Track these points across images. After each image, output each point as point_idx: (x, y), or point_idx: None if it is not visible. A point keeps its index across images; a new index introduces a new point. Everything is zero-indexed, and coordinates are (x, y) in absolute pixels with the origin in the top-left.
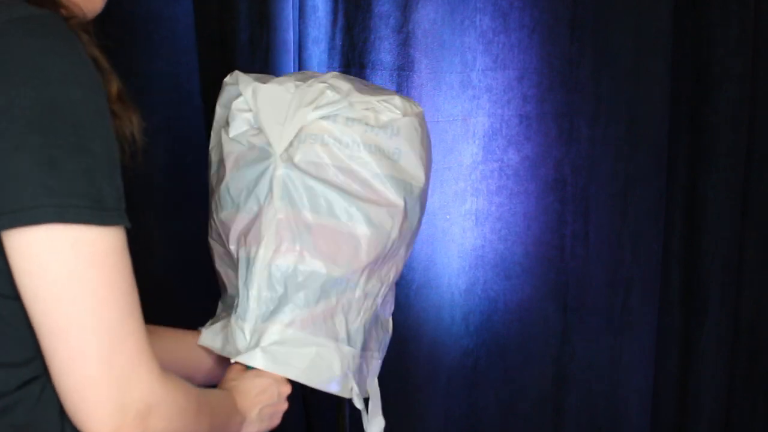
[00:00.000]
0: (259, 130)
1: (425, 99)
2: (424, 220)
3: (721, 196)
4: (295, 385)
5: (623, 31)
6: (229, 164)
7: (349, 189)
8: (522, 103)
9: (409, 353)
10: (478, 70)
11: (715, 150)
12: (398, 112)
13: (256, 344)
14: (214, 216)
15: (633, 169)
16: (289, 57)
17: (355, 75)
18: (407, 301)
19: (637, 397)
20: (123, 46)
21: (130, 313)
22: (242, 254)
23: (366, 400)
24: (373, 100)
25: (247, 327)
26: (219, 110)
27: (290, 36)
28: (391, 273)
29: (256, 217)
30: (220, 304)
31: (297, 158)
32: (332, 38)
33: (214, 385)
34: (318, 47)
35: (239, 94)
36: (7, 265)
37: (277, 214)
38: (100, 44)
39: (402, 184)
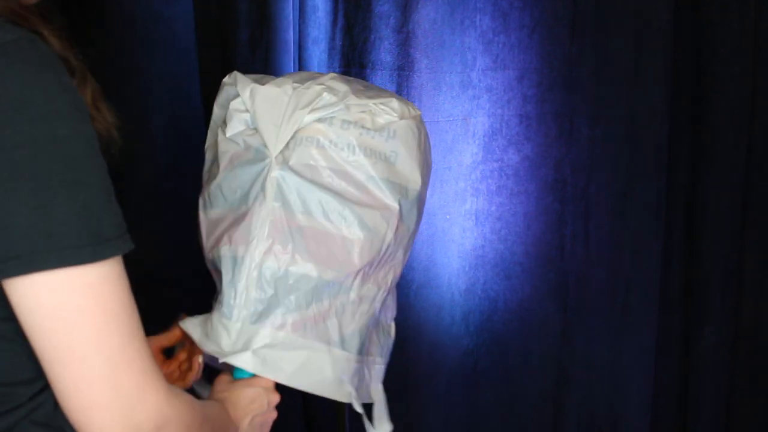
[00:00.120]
0: (256, 131)
1: (425, 99)
2: (424, 220)
3: (721, 196)
4: (293, 390)
5: (623, 31)
6: (223, 163)
7: (343, 192)
8: (522, 103)
9: (409, 353)
10: (478, 70)
11: (715, 150)
12: (395, 114)
13: (246, 346)
14: (202, 214)
15: (633, 169)
16: (289, 57)
17: (355, 75)
18: (407, 301)
19: (637, 397)
20: (123, 46)
21: (131, 335)
22: (227, 253)
23: (370, 405)
24: (370, 103)
25: (233, 327)
26: (216, 110)
27: (290, 36)
28: (388, 277)
29: (246, 217)
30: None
31: (292, 161)
32: (332, 38)
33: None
34: (318, 47)
35: (237, 95)
36: (4, 294)
37: (270, 215)
38: (69, 39)
39: (398, 187)
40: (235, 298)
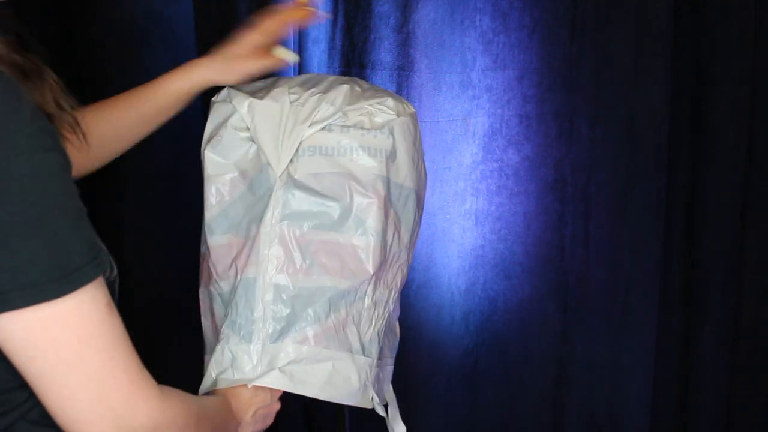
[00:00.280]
0: (257, 150)
1: (425, 99)
2: (424, 220)
3: (721, 196)
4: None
5: (623, 31)
6: (226, 186)
7: (348, 198)
8: (522, 103)
9: (409, 353)
10: (478, 70)
11: (715, 150)
12: (392, 113)
13: (271, 366)
14: (207, 243)
15: (633, 169)
16: None
17: (355, 75)
18: (407, 301)
19: (637, 397)
20: (123, 46)
21: (114, 350)
22: (241, 277)
23: (386, 407)
24: (366, 105)
25: (254, 349)
26: (211, 128)
27: (290, 36)
28: (397, 278)
29: (255, 239)
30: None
31: (297, 174)
32: (332, 38)
33: None
34: (318, 47)
35: (233, 112)
36: None
37: (279, 234)
38: (19, 37)
39: (398, 185)
40: (252, 321)
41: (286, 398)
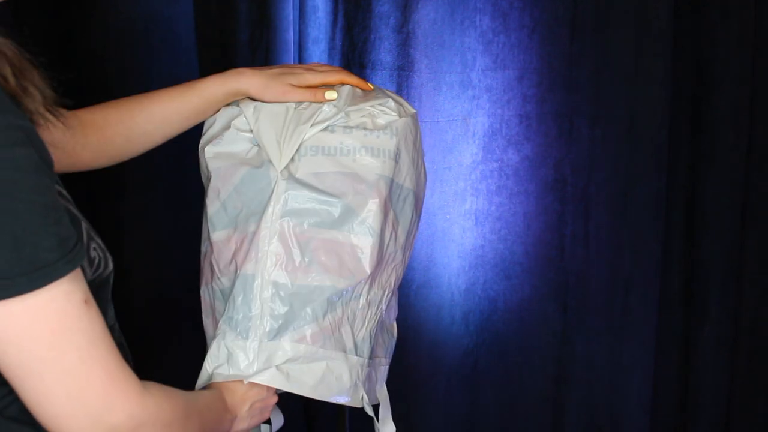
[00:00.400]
0: (259, 148)
1: (425, 99)
2: (423, 220)
3: (721, 196)
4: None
5: (623, 31)
6: (225, 183)
7: (350, 196)
8: (522, 103)
9: (409, 353)
10: (478, 70)
11: (715, 150)
12: (394, 113)
13: (268, 363)
14: (207, 239)
15: (633, 169)
16: (289, 57)
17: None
18: (407, 301)
19: (637, 397)
20: (123, 46)
21: (91, 345)
22: (239, 272)
23: (376, 407)
24: (367, 106)
25: (250, 346)
26: (215, 129)
27: (290, 36)
28: (392, 278)
29: (254, 235)
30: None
31: (299, 173)
32: (332, 38)
33: None
34: (318, 47)
35: (239, 113)
36: None
37: (279, 230)
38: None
39: (398, 186)
40: (250, 317)
41: (287, 398)
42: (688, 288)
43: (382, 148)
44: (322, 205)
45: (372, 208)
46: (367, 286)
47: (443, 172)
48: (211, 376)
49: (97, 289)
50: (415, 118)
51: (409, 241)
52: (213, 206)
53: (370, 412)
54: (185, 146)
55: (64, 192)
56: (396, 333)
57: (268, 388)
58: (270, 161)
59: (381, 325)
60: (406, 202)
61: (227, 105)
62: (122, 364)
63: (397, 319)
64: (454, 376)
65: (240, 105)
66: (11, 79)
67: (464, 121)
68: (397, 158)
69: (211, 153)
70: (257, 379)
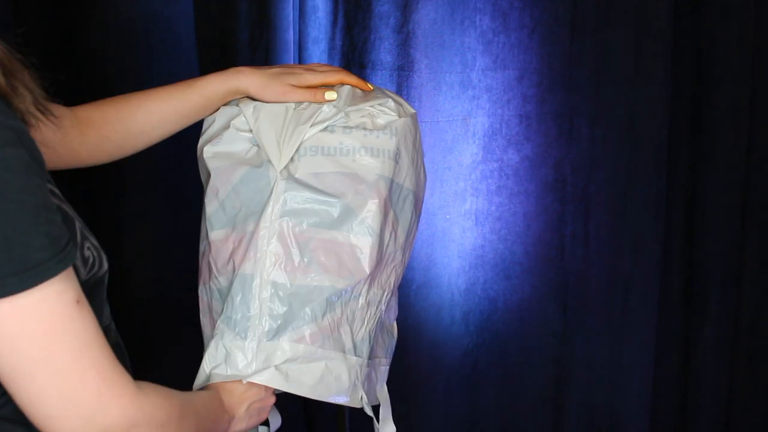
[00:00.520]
0: (258, 148)
1: (425, 99)
2: (423, 220)
3: (721, 196)
4: None
5: (623, 31)
6: (223, 182)
7: (350, 196)
8: (522, 103)
9: (409, 353)
10: (478, 70)
11: (715, 150)
12: (394, 113)
13: (267, 363)
14: (205, 238)
15: (633, 169)
16: (289, 57)
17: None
18: (407, 301)
19: (637, 397)
20: (123, 46)
21: (84, 346)
22: (238, 272)
23: (376, 407)
24: (367, 106)
25: (248, 346)
26: (214, 128)
27: (290, 36)
28: (391, 279)
29: (253, 235)
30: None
31: (299, 173)
32: (332, 38)
33: None
34: (318, 47)
35: (238, 113)
36: None
37: (278, 230)
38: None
39: (398, 186)
40: (248, 317)
41: (286, 398)
42: (688, 288)
43: (381, 149)
44: (321, 205)
45: (371, 208)
46: (366, 287)
47: (443, 172)
48: (209, 377)
49: (92, 288)
50: (415, 119)
51: (409, 241)
52: (211, 206)
53: (369, 412)
54: (185, 146)
55: (57, 191)
56: (396, 333)
57: (267, 388)
58: (269, 161)
59: (380, 326)
60: (405, 202)
61: (227, 104)
62: (115, 365)
63: (397, 319)
64: (454, 376)
65: (239, 105)
66: (1, 80)
67: (464, 121)
68: (396, 158)
69: (210, 152)
70: (256, 379)
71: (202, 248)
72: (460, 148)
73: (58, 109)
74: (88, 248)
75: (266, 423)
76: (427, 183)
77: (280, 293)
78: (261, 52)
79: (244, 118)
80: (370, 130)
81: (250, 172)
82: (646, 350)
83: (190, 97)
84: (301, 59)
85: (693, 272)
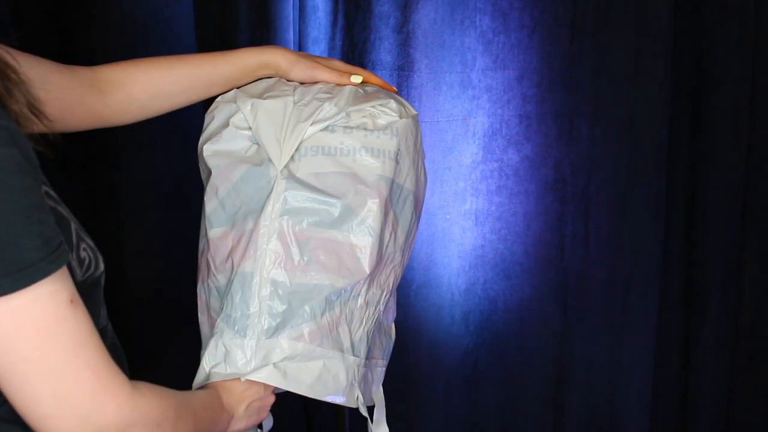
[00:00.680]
0: (258, 146)
1: (425, 99)
2: (423, 220)
3: (721, 196)
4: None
5: (623, 31)
6: (223, 180)
7: (350, 196)
8: (522, 103)
9: (409, 353)
10: (478, 70)
11: (715, 150)
12: (395, 114)
13: (265, 361)
14: (204, 237)
15: (633, 169)
16: None
17: None
18: (407, 301)
19: (637, 397)
20: (123, 46)
21: (78, 346)
22: (238, 270)
23: (371, 408)
24: (368, 107)
25: (247, 344)
26: (213, 126)
27: (290, 36)
28: (390, 279)
29: (253, 233)
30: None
31: (299, 172)
32: (332, 38)
33: None
34: (318, 47)
35: (236, 111)
36: None
37: (277, 229)
38: None
39: (398, 186)
40: (248, 315)
41: (286, 397)
42: (688, 288)
43: (382, 149)
44: (321, 205)
45: (372, 208)
46: (365, 286)
47: (443, 172)
48: (208, 375)
49: (88, 290)
50: (416, 120)
51: (409, 242)
52: (211, 204)
53: (364, 412)
54: (185, 146)
55: (53, 193)
56: (394, 335)
57: (266, 387)
58: (270, 159)
59: (379, 327)
60: (406, 203)
61: (225, 102)
62: (111, 364)
63: (397, 319)
64: (454, 376)
65: (237, 101)
66: None
67: (464, 121)
68: (397, 159)
69: (210, 151)
70: (254, 377)
71: (201, 247)
72: (460, 148)
73: (77, 70)
74: (84, 249)
75: (260, 425)
76: (427, 183)
77: (280, 291)
78: None
79: (242, 115)
80: (371, 130)
81: (250, 171)
82: (646, 350)
83: (223, 65)
84: None
85: (693, 272)
